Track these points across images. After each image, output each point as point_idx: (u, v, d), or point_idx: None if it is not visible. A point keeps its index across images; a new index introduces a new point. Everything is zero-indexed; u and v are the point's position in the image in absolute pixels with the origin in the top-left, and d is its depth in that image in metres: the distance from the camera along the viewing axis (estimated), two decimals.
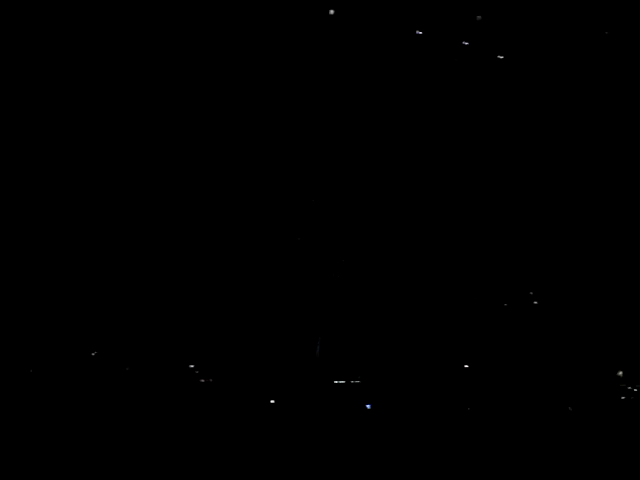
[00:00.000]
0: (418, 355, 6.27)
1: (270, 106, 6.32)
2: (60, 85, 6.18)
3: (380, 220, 6.37)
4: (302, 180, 6.33)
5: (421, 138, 6.35)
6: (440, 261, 6.38)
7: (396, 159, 6.36)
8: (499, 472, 5.84)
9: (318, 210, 6.35)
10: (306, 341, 6.21)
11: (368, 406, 6.04)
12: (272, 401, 6.04)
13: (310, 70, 6.33)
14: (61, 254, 6.13)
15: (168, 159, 6.23)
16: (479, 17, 6.21)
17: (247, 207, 6.32)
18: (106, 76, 6.12)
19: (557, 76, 6.33)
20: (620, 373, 6.12)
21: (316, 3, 6.26)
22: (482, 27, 6.26)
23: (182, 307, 6.21)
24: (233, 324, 6.23)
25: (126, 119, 6.18)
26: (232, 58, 6.24)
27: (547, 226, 6.33)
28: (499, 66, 6.29)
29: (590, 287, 6.28)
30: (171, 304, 6.20)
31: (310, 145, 6.33)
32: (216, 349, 6.18)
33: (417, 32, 6.21)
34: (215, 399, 6.06)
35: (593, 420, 6.06)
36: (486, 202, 6.36)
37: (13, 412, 5.75)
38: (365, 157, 6.33)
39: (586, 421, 6.05)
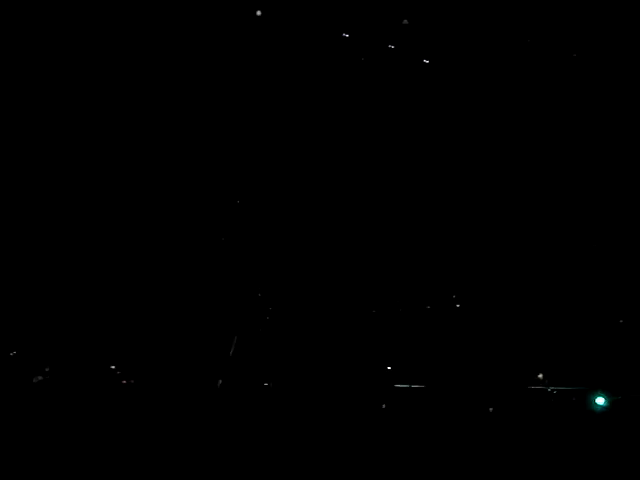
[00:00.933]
0: (343, 356, 6.29)
1: (195, 105, 6.32)
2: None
3: (299, 223, 6.39)
4: (222, 183, 6.34)
5: (344, 141, 6.39)
6: (364, 263, 6.41)
7: (320, 161, 6.39)
8: (418, 472, 5.86)
9: (237, 212, 6.36)
10: (222, 342, 6.20)
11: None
12: (191, 401, 6.02)
13: (238, 69, 6.33)
14: None
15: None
16: (405, 21, 6.25)
17: (164, 210, 6.29)
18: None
19: (480, 81, 6.40)
20: (540, 375, 6.19)
21: (244, 4, 6.26)
22: (408, 31, 6.30)
23: (104, 309, 6.15)
24: (154, 326, 6.20)
25: None
26: (156, 58, 6.23)
27: (468, 233, 6.39)
28: (425, 70, 6.34)
29: (511, 292, 6.35)
30: (92, 306, 6.14)
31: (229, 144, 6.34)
32: (138, 351, 6.14)
33: (344, 35, 6.24)
34: (137, 400, 6.01)
35: (513, 421, 6.11)
36: (408, 206, 6.42)
37: None
38: (284, 158, 6.35)
39: (506, 422, 6.10)
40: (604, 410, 6.07)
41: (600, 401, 6.09)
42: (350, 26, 6.27)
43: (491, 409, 6.09)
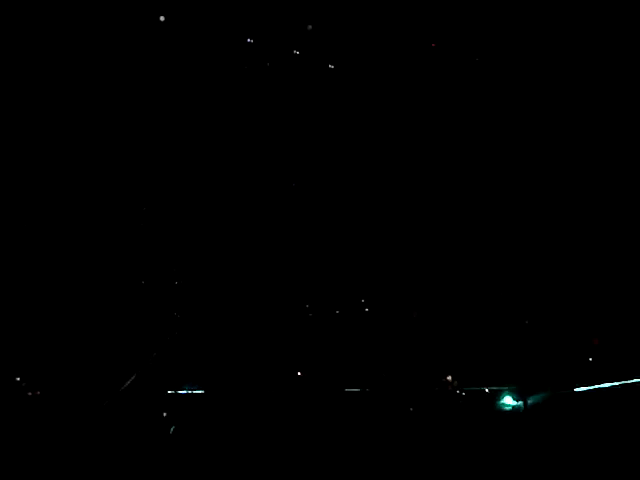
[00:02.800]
0: (255, 364, 6.29)
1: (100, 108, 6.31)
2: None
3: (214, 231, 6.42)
4: (129, 187, 6.32)
5: (253, 148, 6.40)
6: (274, 269, 6.43)
7: (223, 168, 6.41)
8: (333, 474, 5.86)
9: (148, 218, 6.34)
10: (139, 352, 6.17)
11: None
12: (105, 411, 5.96)
13: (142, 75, 6.31)
14: None
15: None
16: (310, 27, 6.27)
17: (63, 213, 6.25)
18: None
19: (387, 86, 6.45)
20: (449, 377, 6.24)
21: (148, 10, 6.23)
22: (313, 37, 6.31)
23: (7, 318, 6.08)
24: (64, 335, 6.13)
25: None
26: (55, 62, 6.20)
27: (378, 239, 6.45)
28: (330, 75, 6.37)
29: (420, 296, 6.41)
30: None
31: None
32: (46, 361, 6.06)
33: (248, 40, 6.23)
34: (45, 411, 5.93)
35: (431, 420, 6.15)
36: (315, 211, 6.46)
37: None
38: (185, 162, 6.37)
39: (424, 422, 6.13)
40: (512, 410, 6.16)
41: (508, 401, 6.17)
42: (255, 31, 6.27)
43: (411, 409, 6.14)
